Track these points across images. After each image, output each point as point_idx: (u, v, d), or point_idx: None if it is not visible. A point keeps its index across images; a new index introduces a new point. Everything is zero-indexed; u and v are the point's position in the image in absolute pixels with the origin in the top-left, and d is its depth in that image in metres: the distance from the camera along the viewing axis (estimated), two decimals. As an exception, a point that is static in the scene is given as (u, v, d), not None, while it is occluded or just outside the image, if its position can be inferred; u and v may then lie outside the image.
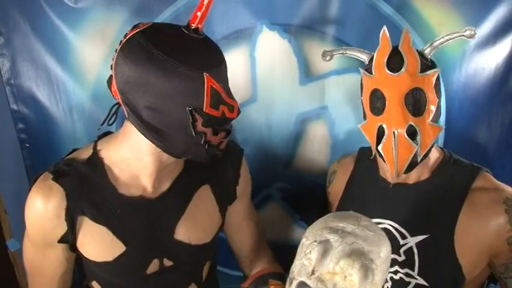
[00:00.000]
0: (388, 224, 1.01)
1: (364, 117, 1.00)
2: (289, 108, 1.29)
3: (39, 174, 0.91)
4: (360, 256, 0.72)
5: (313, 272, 0.73)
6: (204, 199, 1.00)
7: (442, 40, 0.95)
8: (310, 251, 0.75)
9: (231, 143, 1.05)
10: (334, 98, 1.28)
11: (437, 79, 0.94)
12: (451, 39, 0.95)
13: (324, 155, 1.33)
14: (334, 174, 1.18)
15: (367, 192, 1.07)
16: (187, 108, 0.79)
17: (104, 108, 1.26)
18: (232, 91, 1.24)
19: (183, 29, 0.82)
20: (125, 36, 0.82)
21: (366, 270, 0.71)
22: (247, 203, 1.12)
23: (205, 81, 0.77)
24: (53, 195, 0.87)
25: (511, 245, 0.90)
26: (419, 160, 0.92)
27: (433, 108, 0.92)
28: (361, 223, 0.77)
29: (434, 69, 0.93)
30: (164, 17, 1.20)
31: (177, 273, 0.99)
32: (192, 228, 0.97)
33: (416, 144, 0.90)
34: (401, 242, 0.99)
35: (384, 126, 0.92)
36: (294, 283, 0.75)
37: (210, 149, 0.85)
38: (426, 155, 0.94)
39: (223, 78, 0.82)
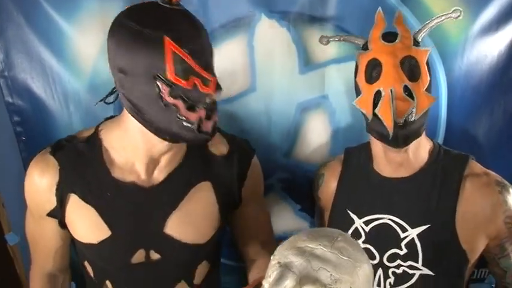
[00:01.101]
0: (388, 219, 1.02)
1: (358, 95, 1.00)
2: (289, 97, 1.28)
3: (42, 149, 0.95)
4: (322, 285, 0.64)
5: None
6: (202, 196, 0.96)
7: (431, 24, 0.98)
8: (270, 274, 0.68)
9: (242, 142, 1.04)
10: (334, 87, 1.26)
11: (428, 63, 0.96)
12: (440, 21, 0.99)
13: (324, 144, 1.32)
14: (322, 177, 1.17)
15: (362, 189, 1.08)
16: (152, 75, 0.78)
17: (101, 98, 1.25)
18: (231, 81, 1.23)
19: (159, 1, 0.81)
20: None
21: None
22: (257, 206, 1.07)
23: (166, 44, 0.76)
24: (48, 168, 0.91)
25: (508, 225, 0.95)
26: (415, 119, 0.92)
27: (426, 80, 0.94)
28: (336, 245, 0.68)
29: (427, 47, 0.97)
30: (161, 5, 1.17)
31: (165, 269, 0.97)
32: (184, 225, 0.94)
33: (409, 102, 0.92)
34: (402, 235, 0.99)
35: (381, 89, 0.93)
36: None
37: (190, 128, 0.82)
38: (420, 127, 0.94)
39: (197, 50, 0.80)
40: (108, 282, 0.99)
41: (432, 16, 1.16)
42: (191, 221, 0.95)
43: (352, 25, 1.20)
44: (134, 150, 0.90)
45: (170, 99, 0.79)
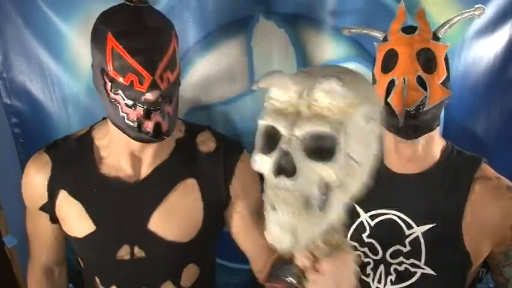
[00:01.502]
0: (393, 215, 1.01)
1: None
2: (287, 99, 1.28)
3: (42, 147, 1.00)
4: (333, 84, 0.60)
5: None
6: (187, 192, 0.96)
7: (453, 20, 0.98)
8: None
9: (231, 140, 1.03)
10: (333, 88, 1.27)
11: (446, 58, 0.96)
12: (462, 18, 0.98)
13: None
14: None
15: (374, 182, 1.07)
16: (99, 69, 0.83)
17: (99, 100, 1.25)
18: (229, 82, 1.23)
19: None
20: None
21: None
22: (251, 205, 1.01)
23: (107, 39, 0.80)
24: (42, 165, 0.95)
25: None
26: (426, 109, 0.91)
27: (442, 74, 0.93)
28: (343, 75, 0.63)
29: (446, 44, 0.95)
30: (159, 7, 1.16)
31: (150, 267, 0.97)
32: (168, 222, 0.94)
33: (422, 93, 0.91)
34: (407, 232, 0.98)
35: (395, 78, 0.93)
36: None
37: (130, 125, 0.83)
38: (431, 123, 0.94)
39: (140, 47, 0.80)
40: (96, 279, 1.01)
41: (429, 17, 1.17)
42: (175, 217, 0.95)
43: (349, 26, 1.20)
44: (117, 146, 0.93)
45: (112, 95, 0.83)
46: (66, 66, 1.23)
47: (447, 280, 0.97)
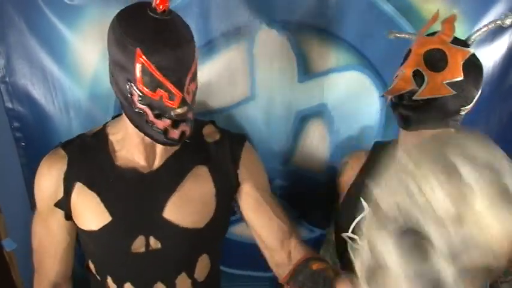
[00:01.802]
0: None
1: None
2: (288, 105, 1.29)
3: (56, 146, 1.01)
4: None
5: None
6: (199, 179, 1.00)
7: (484, 29, 1.00)
8: None
9: (232, 132, 1.08)
10: (333, 96, 1.28)
11: (473, 66, 0.96)
12: (492, 27, 1.00)
13: (323, 152, 1.33)
14: (345, 165, 1.20)
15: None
16: (126, 81, 0.84)
17: (101, 105, 1.26)
18: (231, 88, 1.24)
19: (147, 8, 0.84)
20: None
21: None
22: (260, 185, 1.06)
23: (136, 56, 0.81)
24: (57, 159, 0.97)
25: None
26: (414, 97, 0.94)
27: (453, 76, 0.94)
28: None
29: (466, 49, 0.96)
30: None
31: (165, 258, 0.98)
32: (182, 209, 0.97)
33: (419, 87, 0.94)
34: None
35: (398, 72, 0.97)
36: None
37: (157, 133, 0.88)
38: (428, 120, 0.96)
39: (170, 64, 0.82)
40: (109, 278, 1.00)
41: (422, 21, 1.19)
42: (189, 204, 0.98)
43: (350, 35, 1.22)
44: (131, 140, 0.95)
45: (139, 105, 0.85)
46: (69, 71, 1.23)
47: None
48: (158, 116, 0.86)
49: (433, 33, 0.98)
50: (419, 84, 0.94)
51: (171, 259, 0.99)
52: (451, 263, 0.55)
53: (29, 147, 1.30)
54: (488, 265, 0.57)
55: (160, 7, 0.82)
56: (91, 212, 0.96)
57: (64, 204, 0.97)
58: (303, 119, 1.30)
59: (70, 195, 0.96)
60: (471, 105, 1.00)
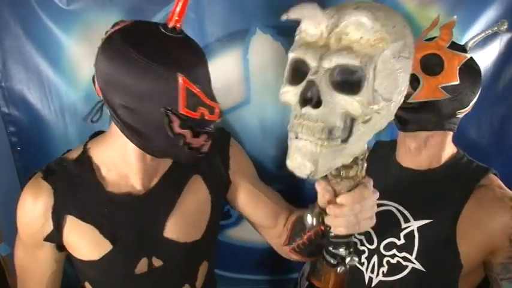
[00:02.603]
0: (392, 206, 1.04)
1: None
2: (283, 110, 1.29)
3: (33, 174, 0.92)
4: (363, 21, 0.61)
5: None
6: (195, 190, 0.99)
7: (482, 35, 1.02)
8: None
9: (217, 130, 1.04)
10: (328, 100, 1.28)
11: (471, 71, 0.98)
12: (487, 34, 1.03)
13: (317, 156, 1.34)
14: None
15: (379, 176, 1.08)
16: (162, 109, 0.78)
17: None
18: (226, 93, 1.23)
19: (161, 28, 0.81)
20: (105, 33, 0.82)
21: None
22: (252, 177, 1.08)
23: (180, 81, 0.77)
24: (42, 193, 0.90)
25: None
26: (411, 101, 0.95)
27: (446, 80, 0.95)
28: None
29: (463, 54, 0.97)
30: (158, 19, 1.19)
31: (168, 274, 0.98)
32: (181, 225, 0.96)
33: (414, 91, 0.95)
34: (404, 225, 1.01)
35: None
36: None
37: (191, 151, 0.85)
38: (424, 122, 0.98)
39: (202, 79, 0.81)
40: None
41: (419, 30, 1.20)
42: (188, 218, 0.97)
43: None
44: (127, 165, 0.91)
45: (179, 130, 0.81)
46: (65, 76, 1.24)
47: (436, 278, 0.99)
48: (197, 135, 0.83)
49: (432, 39, 0.99)
50: (415, 88, 0.95)
51: (174, 274, 0.99)
52: None
53: (25, 151, 1.30)
54: None
55: (178, 25, 0.81)
56: (89, 244, 0.92)
57: (55, 237, 0.92)
58: (297, 123, 1.31)
59: (61, 229, 0.91)
60: (468, 108, 1.01)
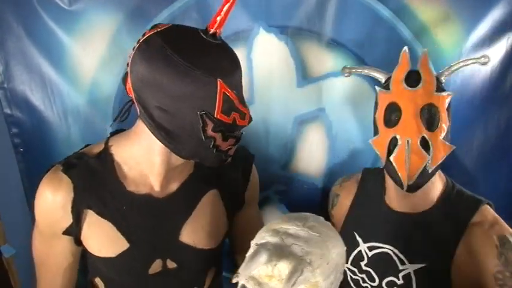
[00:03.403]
0: (389, 249, 1.03)
1: (375, 133, 1.01)
2: (287, 110, 1.29)
3: (51, 166, 0.92)
4: (295, 258, 0.69)
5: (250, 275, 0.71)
6: (212, 203, 1.00)
7: (457, 66, 1.00)
8: (248, 254, 0.73)
9: (242, 149, 1.06)
10: (332, 100, 1.28)
11: (450, 105, 0.96)
12: (466, 65, 1.00)
13: (321, 157, 1.33)
14: (337, 198, 1.19)
15: (371, 216, 1.09)
16: (198, 112, 0.79)
17: (100, 111, 1.26)
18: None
19: (201, 33, 0.82)
20: (143, 35, 0.82)
21: (294, 272, 0.68)
22: (255, 209, 1.12)
23: (219, 87, 0.78)
24: (62, 186, 0.89)
25: (497, 280, 0.91)
26: (430, 171, 0.93)
27: (445, 127, 0.94)
28: (307, 224, 0.74)
29: (449, 92, 0.95)
30: (160, 19, 1.19)
31: (180, 277, 0.99)
32: (197, 232, 0.97)
33: (429, 155, 0.92)
34: (400, 267, 1.01)
35: (398, 137, 0.94)
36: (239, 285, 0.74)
37: (219, 154, 0.86)
38: (435, 171, 0.95)
39: (237, 85, 0.82)
40: None
41: (426, 30, 1.18)
42: (203, 227, 0.98)
43: (349, 39, 1.22)
44: (150, 165, 0.91)
45: (211, 133, 0.82)
46: (67, 77, 1.23)
47: None
48: (226, 138, 0.84)
49: (411, 80, 0.95)
50: (427, 151, 0.92)
51: (186, 277, 1.00)
52: None
53: (28, 153, 1.30)
54: None
55: (218, 31, 0.82)
56: (107, 240, 0.92)
57: (74, 231, 0.92)
58: (301, 124, 1.30)
59: (81, 223, 0.92)
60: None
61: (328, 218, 1.26)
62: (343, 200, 1.16)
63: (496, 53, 1.24)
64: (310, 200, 1.37)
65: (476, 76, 1.25)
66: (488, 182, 1.30)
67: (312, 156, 1.33)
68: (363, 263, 1.06)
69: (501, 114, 1.28)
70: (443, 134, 0.93)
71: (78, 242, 0.95)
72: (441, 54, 1.22)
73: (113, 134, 0.99)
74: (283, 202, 1.39)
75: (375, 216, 1.07)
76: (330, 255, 0.72)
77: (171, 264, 0.97)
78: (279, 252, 0.70)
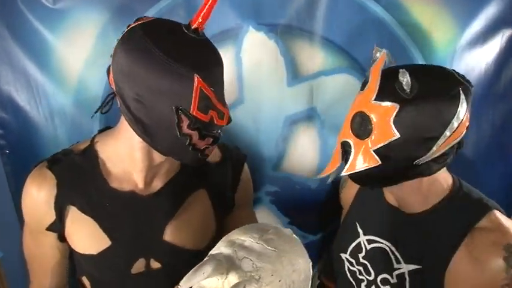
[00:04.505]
0: (387, 246, 1.01)
1: None
2: (277, 109, 1.27)
3: (39, 162, 0.94)
4: (243, 273, 0.66)
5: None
6: (199, 203, 0.98)
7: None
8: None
9: (234, 149, 1.07)
10: (323, 99, 1.26)
11: (404, 117, 0.82)
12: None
13: (313, 156, 1.31)
14: (345, 182, 1.19)
15: (373, 209, 1.08)
16: (173, 107, 0.78)
17: (87, 112, 1.24)
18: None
19: (183, 28, 0.81)
20: (128, 26, 0.82)
21: (237, 287, 0.65)
22: (247, 211, 1.10)
23: (196, 82, 0.76)
24: (45, 182, 0.91)
25: None
26: (342, 174, 0.89)
27: (380, 140, 0.83)
28: (264, 237, 0.70)
29: (394, 104, 0.81)
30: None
31: (166, 278, 0.96)
32: (182, 231, 0.96)
33: (345, 162, 0.88)
34: (395, 265, 0.99)
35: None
36: None
37: (195, 153, 0.84)
38: (380, 178, 0.89)
39: (216, 82, 0.81)
40: None
41: (420, 27, 1.17)
42: (189, 227, 0.97)
43: (339, 37, 1.20)
44: (132, 161, 0.91)
45: (187, 130, 0.81)
46: (53, 77, 1.21)
47: None
48: (203, 137, 0.83)
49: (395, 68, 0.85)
50: (347, 156, 0.87)
51: (171, 278, 0.97)
52: None
53: (14, 154, 1.27)
54: None
55: (200, 27, 0.81)
56: (89, 237, 0.92)
57: (57, 227, 0.93)
58: (292, 123, 1.28)
59: (64, 219, 0.92)
60: (434, 149, 0.84)
61: (329, 209, 1.27)
62: (349, 188, 1.16)
63: (490, 51, 1.23)
64: (303, 201, 1.36)
65: (470, 74, 1.23)
66: (483, 180, 1.28)
67: (304, 156, 1.31)
68: (360, 255, 1.05)
69: (495, 113, 1.27)
70: (377, 145, 0.83)
71: (62, 238, 0.95)
72: (435, 54, 1.21)
73: (100, 131, 0.99)
74: (275, 203, 1.37)
75: (376, 210, 1.06)
76: (284, 271, 0.68)
77: (155, 265, 0.95)
78: (229, 265, 0.67)
